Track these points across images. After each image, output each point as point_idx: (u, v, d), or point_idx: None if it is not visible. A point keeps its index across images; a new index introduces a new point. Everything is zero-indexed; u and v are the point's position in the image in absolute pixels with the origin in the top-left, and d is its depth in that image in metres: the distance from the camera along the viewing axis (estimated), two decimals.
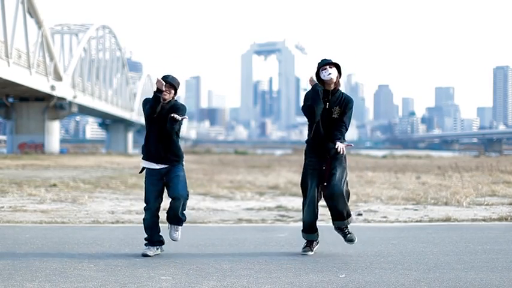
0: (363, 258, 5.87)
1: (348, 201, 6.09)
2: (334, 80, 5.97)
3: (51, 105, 54.00)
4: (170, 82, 6.06)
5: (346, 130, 6.07)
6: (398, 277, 5.03)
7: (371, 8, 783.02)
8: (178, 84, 6.14)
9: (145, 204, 6.19)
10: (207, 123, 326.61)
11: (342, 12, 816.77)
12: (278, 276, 5.06)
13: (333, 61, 5.99)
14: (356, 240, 6.13)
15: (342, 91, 6.11)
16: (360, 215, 9.87)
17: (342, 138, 5.96)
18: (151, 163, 6.15)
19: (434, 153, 62.78)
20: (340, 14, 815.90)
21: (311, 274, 5.16)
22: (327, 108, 5.97)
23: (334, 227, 6.14)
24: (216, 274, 5.14)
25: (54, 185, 15.19)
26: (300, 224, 8.79)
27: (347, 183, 6.11)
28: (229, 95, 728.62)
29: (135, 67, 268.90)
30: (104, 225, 8.57)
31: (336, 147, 5.89)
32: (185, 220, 6.23)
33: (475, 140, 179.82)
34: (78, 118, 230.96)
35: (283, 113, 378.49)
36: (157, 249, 6.11)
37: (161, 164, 6.09)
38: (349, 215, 6.06)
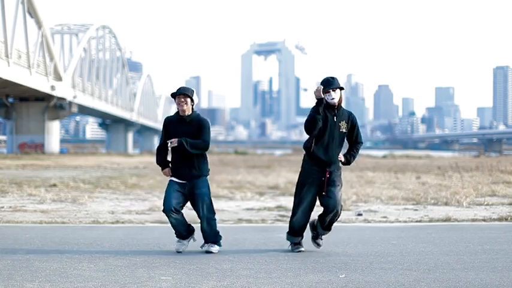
0: (363, 258, 5.87)
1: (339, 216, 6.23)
2: (337, 102, 6.09)
3: (51, 105, 54.00)
4: (184, 93, 6.08)
5: (360, 144, 6.28)
6: (398, 277, 5.03)
7: (371, 8, 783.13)
8: (193, 92, 6.16)
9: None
10: None
11: (342, 12, 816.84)
12: (278, 276, 5.06)
13: (337, 85, 6.07)
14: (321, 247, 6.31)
15: (343, 108, 6.21)
16: (360, 215, 9.87)
17: (352, 158, 6.20)
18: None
19: (434, 153, 62.77)
20: (340, 14, 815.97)
21: (311, 274, 5.16)
22: (335, 121, 6.08)
23: (317, 233, 6.27)
24: (216, 274, 5.14)
25: (54, 185, 15.19)
26: None
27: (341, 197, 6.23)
28: (229, 95, 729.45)
29: (135, 67, 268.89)
30: (104, 225, 8.57)
31: (339, 158, 6.11)
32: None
33: (475, 140, 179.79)
34: (78, 118, 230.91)
35: (283, 113, 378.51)
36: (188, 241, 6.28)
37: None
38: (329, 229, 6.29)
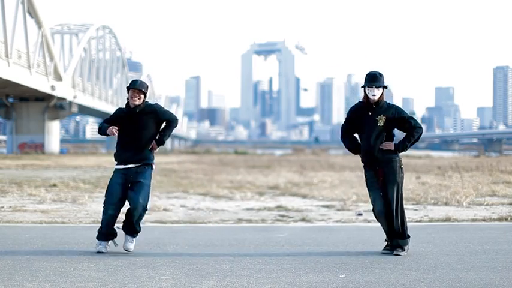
0: (363, 258, 5.87)
1: (402, 220, 6.07)
2: (377, 99, 6.04)
3: (51, 105, 53.99)
4: (139, 88, 6.09)
5: (416, 129, 6.09)
6: (398, 277, 5.03)
7: (371, 8, 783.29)
8: (147, 88, 6.19)
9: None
10: (207, 123, 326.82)
11: (342, 12, 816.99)
12: (278, 276, 5.06)
13: (382, 84, 6.00)
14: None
15: (386, 101, 6.14)
16: (360, 215, 9.87)
17: (407, 142, 6.10)
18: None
19: (434, 153, 62.76)
20: (340, 14, 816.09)
21: (311, 274, 5.16)
22: (371, 116, 6.03)
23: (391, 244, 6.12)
24: (216, 274, 5.14)
25: (54, 185, 15.19)
26: (300, 224, 8.81)
27: (401, 197, 6.08)
28: (229, 95, 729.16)
29: (135, 67, 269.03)
30: None
31: (384, 146, 6.05)
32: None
33: (475, 140, 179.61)
34: (78, 118, 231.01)
35: (283, 113, 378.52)
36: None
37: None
38: (403, 236, 6.06)
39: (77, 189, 14.34)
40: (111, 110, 74.55)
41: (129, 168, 6.12)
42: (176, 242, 6.76)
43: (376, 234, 7.44)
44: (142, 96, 6.14)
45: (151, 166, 6.22)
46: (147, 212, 6.25)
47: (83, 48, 63.33)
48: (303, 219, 9.20)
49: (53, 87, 52.16)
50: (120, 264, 5.52)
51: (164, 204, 11.02)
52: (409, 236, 6.10)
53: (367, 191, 6.24)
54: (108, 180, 6.25)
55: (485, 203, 11.26)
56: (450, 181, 16.80)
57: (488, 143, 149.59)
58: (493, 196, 12.80)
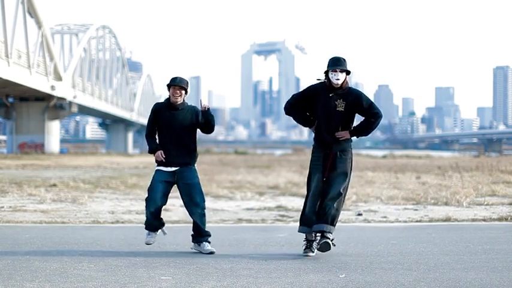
0: (363, 258, 5.86)
1: (339, 209, 6.00)
2: (340, 84, 5.96)
3: (51, 105, 54.00)
4: (179, 85, 6.07)
5: (375, 118, 5.98)
6: (398, 277, 5.03)
7: (371, 7, 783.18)
8: (187, 84, 6.16)
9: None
10: None
11: (342, 12, 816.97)
12: (278, 276, 5.06)
13: (343, 67, 5.93)
14: (330, 250, 5.91)
15: (350, 86, 6.07)
16: (360, 215, 9.88)
17: (361, 129, 5.98)
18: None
19: (434, 153, 62.75)
20: (340, 14, 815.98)
21: (311, 274, 5.16)
22: (330, 99, 5.93)
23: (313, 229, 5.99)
24: (216, 274, 5.14)
25: (54, 185, 15.19)
26: None
27: (346, 188, 6.03)
28: (229, 95, 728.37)
29: (135, 67, 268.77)
30: (104, 225, 8.57)
31: (339, 134, 5.94)
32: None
33: (475, 140, 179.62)
34: (78, 118, 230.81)
35: (283, 113, 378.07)
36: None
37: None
38: (332, 223, 5.94)
39: (77, 189, 14.34)
40: (111, 110, 74.69)
41: (172, 171, 6.08)
42: (176, 242, 6.76)
43: (376, 234, 7.45)
44: (183, 92, 6.11)
45: (194, 165, 6.20)
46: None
47: (83, 48, 63.36)
48: None
49: (53, 87, 52.17)
50: (120, 264, 5.52)
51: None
52: (334, 226, 5.99)
53: (310, 170, 6.07)
54: (150, 180, 6.20)
55: (485, 203, 11.26)
56: (450, 181, 16.81)
57: (488, 143, 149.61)
58: (493, 196, 12.81)
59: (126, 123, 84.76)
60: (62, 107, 54.96)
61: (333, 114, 5.95)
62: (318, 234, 6.01)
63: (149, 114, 6.25)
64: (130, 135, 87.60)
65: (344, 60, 6.01)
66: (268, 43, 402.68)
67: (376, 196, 12.66)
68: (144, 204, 6.23)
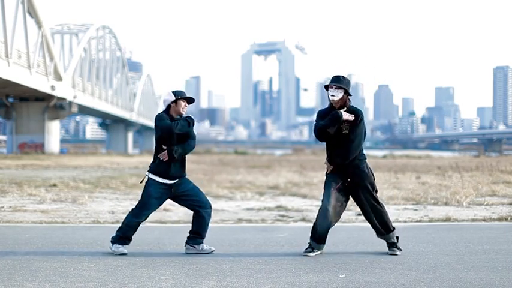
0: (363, 258, 5.87)
1: (383, 213, 6.12)
2: (336, 101, 5.91)
3: (51, 105, 54.01)
4: (189, 99, 6.08)
5: (357, 143, 5.95)
6: (398, 277, 5.03)
7: (371, 7, 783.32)
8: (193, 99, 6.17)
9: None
10: (207, 123, 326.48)
11: (342, 12, 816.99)
12: (278, 276, 5.06)
13: (340, 84, 5.89)
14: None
15: (351, 105, 6.00)
16: (360, 215, 9.86)
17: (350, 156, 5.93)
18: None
19: (434, 153, 62.77)
20: (340, 13, 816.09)
21: (311, 274, 5.16)
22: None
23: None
24: (216, 274, 5.14)
25: (54, 185, 15.19)
26: (300, 224, 8.80)
27: (376, 196, 6.08)
28: (229, 95, 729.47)
29: (135, 67, 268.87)
30: (104, 225, 8.57)
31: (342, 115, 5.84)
32: None
33: (475, 140, 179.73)
34: (78, 118, 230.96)
35: (283, 113, 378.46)
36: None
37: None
38: (387, 230, 6.16)
39: (77, 189, 14.34)
40: (111, 110, 74.70)
41: (170, 184, 6.06)
42: (176, 242, 6.75)
43: None
44: (187, 106, 6.15)
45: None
46: None
47: (83, 48, 63.36)
48: (303, 219, 9.20)
49: (53, 87, 52.18)
50: (120, 264, 5.52)
51: (164, 204, 10.99)
52: (394, 229, 6.19)
53: (324, 187, 6.08)
54: (143, 191, 6.15)
55: (485, 203, 11.26)
56: (450, 181, 16.81)
57: (488, 143, 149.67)
58: (493, 196, 12.80)
59: (126, 123, 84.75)
60: (62, 107, 54.97)
61: (340, 137, 5.94)
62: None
63: (156, 126, 6.10)
64: (130, 135, 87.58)
65: (344, 78, 5.97)
66: (268, 43, 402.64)
67: None
68: (131, 215, 6.12)
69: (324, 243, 6.06)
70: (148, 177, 6.09)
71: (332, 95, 5.90)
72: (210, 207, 6.20)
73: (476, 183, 15.66)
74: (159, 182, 6.03)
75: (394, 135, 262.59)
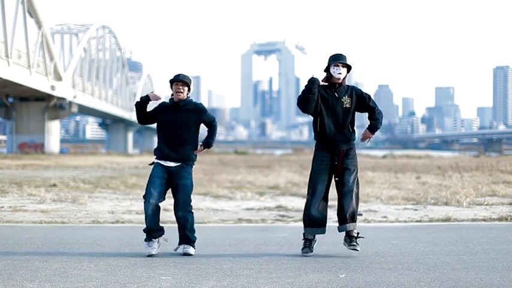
0: (363, 258, 5.86)
1: (357, 204, 6.04)
2: (342, 79, 6.00)
3: (51, 105, 54.03)
4: (182, 80, 6.08)
5: (379, 113, 6.09)
6: (398, 277, 5.03)
7: (371, 8, 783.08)
8: (191, 80, 6.18)
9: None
10: None
11: (342, 12, 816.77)
12: (278, 276, 5.06)
13: (347, 62, 5.98)
14: (358, 251, 5.98)
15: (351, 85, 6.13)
16: (360, 214, 9.86)
17: (378, 125, 6.08)
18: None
19: (434, 153, 62.77)
20: (340, 13, 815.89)
21: (311, 274, 5.15)
22: (337, 98, 5.97)
23: (339, 230, 6.06)
24: (216, 274, 5.14)
25: (54, 185, 15.19)
26: (300, 224, 8.78)
27: (358, 184, 6.05)
28: (229, 95, 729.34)
29: (135, 67, 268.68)
30: (104, 225, 8.57)
31: (363, 135, 6.08)
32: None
33: (475, 140, 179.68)
34: (78, 118, 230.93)
35: (283, 113, 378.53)
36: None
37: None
38: (353, 219, 5.99)
39: (77, 189, 14.35)
40: (111, 109, 74.70)
41: (168, 166, 6.08)
42: (176, 242, 6.74)
43: (376, 234, 7.44)
44: (186, 88, 6.11)
45: (191, 165, 6.18)
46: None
47: (83, 48, 63.39)
48: None
49: (53, 87, 52.19)
50: (120, 264, 5.52)
51: (164, 204, 10.97)
52: (355, 222, 6.04)
53: (314, 171, 6.02)
54: (150, 176, 6.16)
55: (485, 203, 11.26)
56: (450, 181, 16.81)
57: (488, 143, 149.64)
58: (493, 196, 12.81)
59: (126, 123, 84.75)
60: (62, 107, 54.99)
61: (340, 111, 5.97)
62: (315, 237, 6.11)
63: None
64: (130, 135, 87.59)
65: (345, 56, 6.05)
66: (268, 43, 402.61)
67: (376, 196, 12.66)
68: (143, 203, 6.17)
69: (319, 226, 6.00)
70: (154, 161, 6.19)
71: (339, 73, 5.94)
72: (185, 210, 6.13)
73: (476, 183, 15.66)
74: (160, 164, 6.09)
75: (394, 135, 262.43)
